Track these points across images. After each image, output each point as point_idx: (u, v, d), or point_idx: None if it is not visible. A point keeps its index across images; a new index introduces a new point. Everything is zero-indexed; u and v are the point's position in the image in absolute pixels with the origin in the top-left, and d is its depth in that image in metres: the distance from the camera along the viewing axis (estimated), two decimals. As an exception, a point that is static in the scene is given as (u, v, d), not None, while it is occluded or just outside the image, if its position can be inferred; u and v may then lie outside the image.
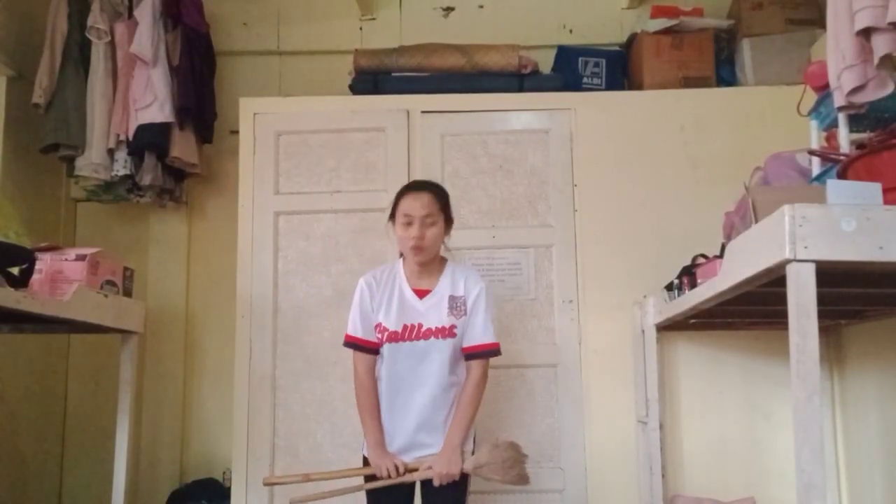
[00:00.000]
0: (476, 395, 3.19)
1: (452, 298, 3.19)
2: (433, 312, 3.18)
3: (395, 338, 3.16)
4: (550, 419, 4.20)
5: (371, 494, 3.19)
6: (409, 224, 3.14)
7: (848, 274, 2.27)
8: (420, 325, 3.16)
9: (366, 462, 3.22)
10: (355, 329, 3.22)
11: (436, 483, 3.07)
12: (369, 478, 3.17)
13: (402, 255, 3.31)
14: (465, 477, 3.16)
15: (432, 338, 3.15)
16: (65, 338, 4.83)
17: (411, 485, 3.19)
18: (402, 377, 3.18)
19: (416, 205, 3.15)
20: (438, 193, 3.26)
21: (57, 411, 4.81)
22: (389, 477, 3.07)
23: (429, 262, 3.23)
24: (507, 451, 3.19)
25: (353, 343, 3.23)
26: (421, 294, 3.22)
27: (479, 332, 3.18)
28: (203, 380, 4.84)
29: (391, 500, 3.17)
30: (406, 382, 3.18)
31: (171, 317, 4.82)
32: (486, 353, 3.19)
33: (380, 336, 3.19)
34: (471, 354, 3.20)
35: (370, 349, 3.22)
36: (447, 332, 3.15)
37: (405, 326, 3.17)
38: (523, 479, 3.23)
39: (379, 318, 3.20)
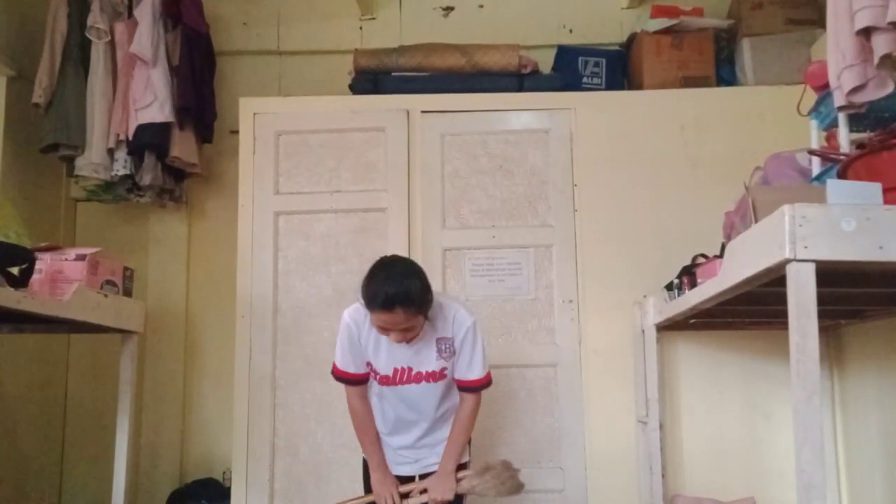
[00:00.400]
0: (469, 424, 3.20)
1: (440, 341, 3.09)
2: (422, 356, 3.09)
3: (386, 381, 3.13)
4: (550, 419, 4.20)
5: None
6: (385, 330, 2.96)
7: (848, 274, 2.27)
8: (410, 369, 3.10)
9: (366, 467, 3.24)
10: (345, 364, 3.14)
11: (428, 498, 3.10)
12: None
13: None
14: (459, 500, 3.18)
15: (423, 382, 3.12)
16: (65, 338, 4.82)
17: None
18: (397, 412, 3.20)
19: (389, 321, 2.90)
20: (412, 305, 2.87)
21: (57, 411, 4.81)
22: (392, 500, 3.12)
23: None
24: (498, 470, 3.19)
25: (344, 378, 3.18)
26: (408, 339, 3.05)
27: (464, 369, 3.12)
28: (203, 380, 4.83)
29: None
30: (402, 415, 3.21)
31: (171, 317, 4.82)
32: (475, 388, 3.17)
33: (372, 374, 3.16)
34: (461, 388, 3.19)
35: (361, 380, 3.20)
36: (438, 376, 3.11)
37: (395, 370, 3.11)
38: (518, 488, 3.22)
39: (368, 357, 3.13)
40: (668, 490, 3.99)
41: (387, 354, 3.10)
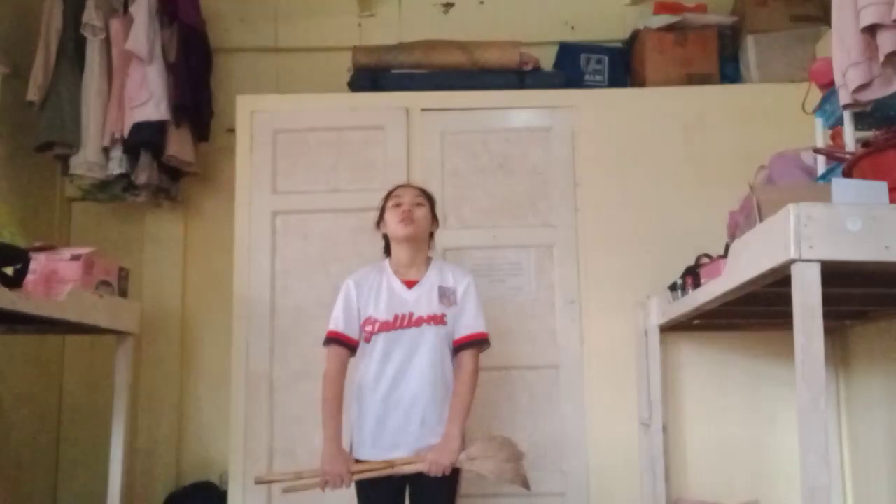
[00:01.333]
0: (471, 384, 3.19)
1: (442, 288, 3.23)
2: (423, 301, 3.21)
3: (387, 327, 3.18)
4: (552, 421, 4.17)
5: (361, 496, 3.18)
6: (398, 206, 3.27)
7: (853, 274, 2.25)
8: (411, 314, 3.19)
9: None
10: (337, 324, 3.24)
11: (426, 470, 3.02)
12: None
13: (386, 255, 3.39)
14: (455, 477, 3.14)
15: (424, 325, 3.17)
16: (60, 339, 4.80)
17: (401, 486, 3.17)
18: (395, 370, 3.15)
19: (405, 192, 3.34)
20: (426, 192, 3.42)
21: (52, 413, 4.78)
22: (342, 482, 3.06)
23: (417, 252, 3.30)
24: (502, 445, 3.15)
25: (334, 338, 3.23)
26: (409, 284, 3.25)
27: (470, 321, 3.22)
28: (199, 381, 4.81)
29: (385, 494, 3.16)
30: (399, 376, 3.15)
31: (167, 317, 4.79)
32: (478, 342, 3.22)
33: (370, 329, 3.20)
34: (462, 345, 3.20)
35: (348, 345, 3.23)
36: (438, 320, 3.18)
37: (396, 316, 3.19)
38: (520, 478, 3.18)
39: (369, 312, 3.22)
40: (672, 493, 3.97)
41: (388, 301, 3.21)
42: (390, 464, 3.07)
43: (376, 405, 3.18)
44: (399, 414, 3.15)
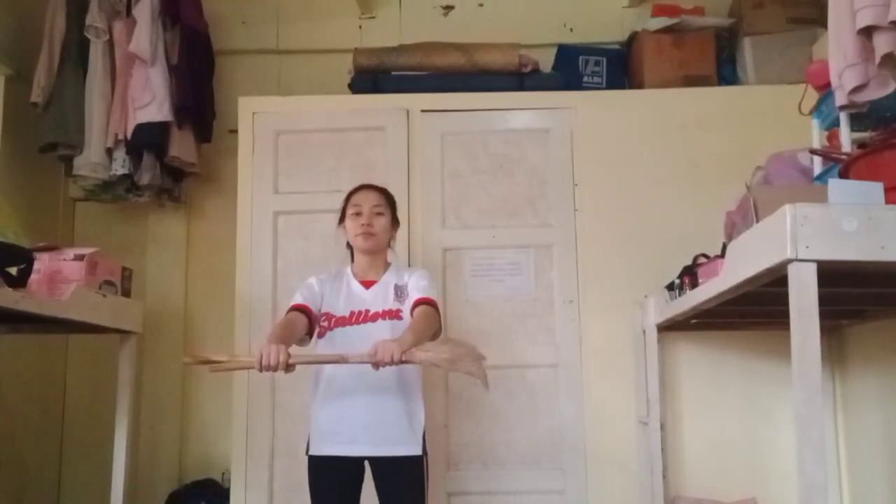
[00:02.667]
0: (427, 321, 3.11)
1: (398, 287, 3.30)
2: (379, 299, 3.28)
3: (343, 322, 3.24)
4: (550, 419, 4.19)
5: (316, 493, 3.21)
6: (358, 214, 3.34)
7: (849, 274, 2.26)
8: (367, 311, 3.25)
9: (311, 461, 3.22)
10: (297, 299, 3.28)
11: (376, 358, 2.87)
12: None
13: (351, 259, 3.46)
14: (421, 466, 3.15)
15: (379, 320, 3.22)
16: (63, 338, 4.81)
17: (356, 480, 3.17)
18: (353, 365, 3.06)
19: (365, 198, 3.38)
20: (386, 194, 3.47)
21: (55, 412, 4.80)
22: (279, 362, 2.86)
23: (376, 258, 3.37)
24: (459, 343, 3.09)
25: (293, 307, 3.28)
26: (367, 285, 3.33)
27: (421, 292, 3.23)
28: (202, 380, 4.81)
29: (338, 492, 3.19)
30: (356, 371, 3.08)
31: (170, 317, 4.81)
32: (430, 303, 3.20)
33: (326, 324, 3.25)
34: (417, 303, 3.19)
35: (305, 312, 3.25)
36: (393, 314, 3.24)
37: (352, 312, 3.25)
38: (479, 372, 3.02)
39: (327, 308, 3.29)
40: (669, 491, 3.98)
41: (346, 299, 3.29)
42: (342, 357, 2.97)
43: (333, 400, 3.19)
44: (356, 409, 3.15)
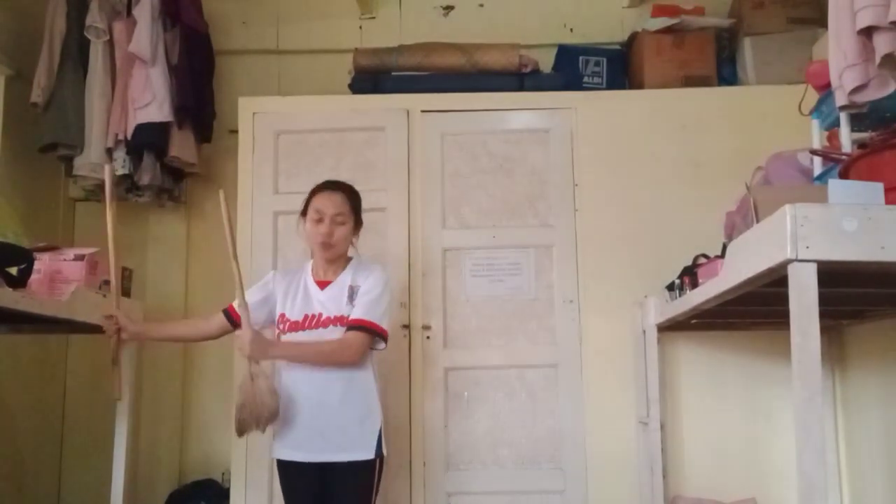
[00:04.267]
0: (330, 350, 3.17)
1: (352, 288, 3.25)
2: (332, 302, 3.25)
3: (295, 327, 3.25)
4: (551, 419, 4.20)
5: (284, 494, 3.30)
6: (319, 221, 3.26)
7: (850, 274, 2.26)
8: (320, 315, 3.23)
9: (280, 466, 3.29)
10: (250, 304, 3.24)
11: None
12: None
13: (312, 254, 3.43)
14: (372, 469, 3.17)
15: (331, 326, 3.21)
16: (63, 338, 4.81)
17: (324, 478, 3.19)
18: (303, 370, 3.19)
19: (328, 203, 3.28)
20: (350, 194, 3.37)
21: (55, 412, 4.80)
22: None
23: (335, 259, 3.33)
24: (268, 399, 3.12)
25: (225, 310, 3.37)
26: (322, 285, 3.31)
27: (359, 311, 3.19)
28: (202, 380, 4.82)
29: (303, 494, 3.24)
30: (307, 375, 3.18)
31: (170, 316, 4.78)
32: (362, 328, 3.17)
33: (281, 327, 3.28)
34: (349, 327, 3.18)
35: (229, 317, 3.36)
36: (345, 321, 3.20)
37: (306, 316, 3.26)
38: (240, 422, 3.16)
39: (284, 309, 3.30)
40: (669, 491, 3.99)
41: (302, 302, 3.28)
42: None
43: (288, 405, 3.20)
44: (306, 416, 3.18)
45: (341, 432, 3.16)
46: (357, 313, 3.19)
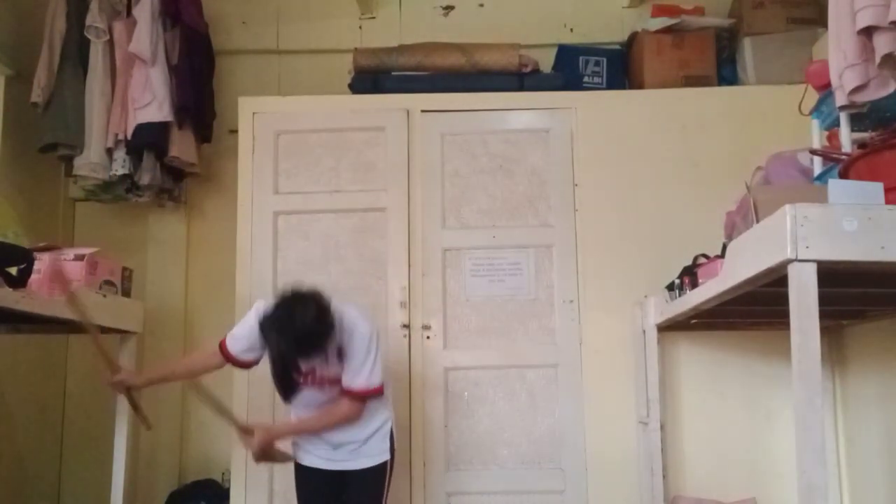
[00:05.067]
0: (331, 419, 3.24)
1: (339, 349, 3.18)
2: (321, 366, 3.21)
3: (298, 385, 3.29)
4: (551, 419, 4.20)
5: (302, 489, 3.39)
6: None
7: (849, 274, 2.26)
8: (314, 371, 3.22)
9: (296, 467, 3.39)
10: (233, 344, 3.28)
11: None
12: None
13: None
14: (384, 470, 3.27)
15: (327, 385, 3.23)
16: (63, 338, 4.80)
17: (340, 481, 3.28)
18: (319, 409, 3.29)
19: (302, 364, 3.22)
20: (312, 349, 3.10)
21: (55, 412, 4.81)
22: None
23: None
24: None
25: (226, 355, 3.33)
26: None
27: (349, 378, 3.19)
28: (202, 380, 4.80)
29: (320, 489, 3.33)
30: (323, 401, 3.27)
31: (170, 316, 4.81)
32: (357, 395, 3.19)
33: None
34: (344, 392, 3.21)
35: (235, 362, 3.35)
36: (336, 382, 3.22)
37: (306, 373, 3.24)
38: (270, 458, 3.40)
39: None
40: (669, 491, 3.99)
41: None
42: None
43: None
44: (330, 436, 3.28)
45: (359, 445, 3.27)
46: (348, 382, 3.19)
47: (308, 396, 3.26)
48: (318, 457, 3.32)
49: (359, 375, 3.18)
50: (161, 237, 4.94)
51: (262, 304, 3.20)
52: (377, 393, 3.23)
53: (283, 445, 3.40)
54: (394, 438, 3.33)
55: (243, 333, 3.29)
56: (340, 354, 3.19)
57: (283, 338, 3.01)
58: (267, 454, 3.29)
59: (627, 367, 4.17)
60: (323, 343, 3.05)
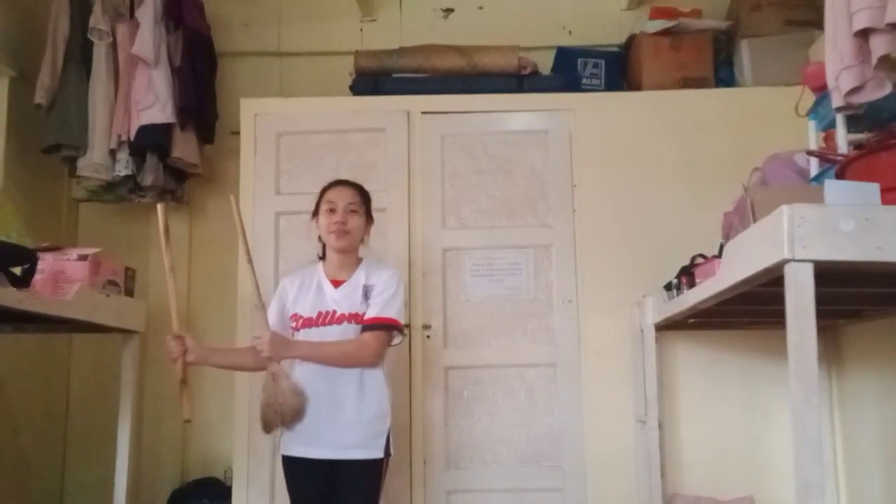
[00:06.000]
0: (346, 351, 3.20)
1: (366, 287, 3.27)
2: (347, 300, 3.26)
3: (309, 323, 3.26)
4: (550, 418, 4.22)
5: (290, 490, 3.27)
6: (332, 211, 3.31)
7: (846, 274, 2.28)
8: (334, 312, 3.25)
9: (287, 463, 3.27)
10: (273, 321, 3.30)
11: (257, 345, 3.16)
12: None
13: (321, 258, 3.46)
14: (379, 468, 3.18)
15: (345, 322, 3.22)
16: (66, 338, 4.83)
17: (329, 472, 3.18)
18: (315, 369, 3.19)
19: (340, 194, 3.34)
20: (361, 191, 3.43)
21: (58, 411, 4.82)
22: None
23: (348, 256, 3.36)
24: (294, 399, 3.15)
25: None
26: (337, 284, 3.32)
27: (375, 309, 3.23)
28: (204, 379, 4.80)
29: (310, 490, 3.23)
30: (320, 372, 3.18)
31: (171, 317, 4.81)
32: (380, 326, 3.21)
33: (294, 325, 3.30)
34: (366, 326, 3.22)
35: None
36: (359, 319, 3.23)
37: (320, 313, 3.26)
38: (265, 420, 3.22)
39: (296, 308, 3.32)
40: (667, 489, 4.01)
41: (315, 299, 3.29)
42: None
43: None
44: (317, 413, 3.16)
45: (354, 429, 3.17)
46: (373, 311, 3.22)
47: (316, 336, 3.24)
48: (309, 444, 3.17)
49: (386, 306, 3.23)
50: (163, 237, 4.95)
51: None
52: (398, 327, 3.26)
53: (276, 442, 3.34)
54: (391, 443, 3.25)
55: (274, 308, 3.38)
56: (367, 293, 3.25)
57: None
58: (279, 347, 3.13)
59: (626, 367, 4.19)
60: (369, 197, 3.42)
